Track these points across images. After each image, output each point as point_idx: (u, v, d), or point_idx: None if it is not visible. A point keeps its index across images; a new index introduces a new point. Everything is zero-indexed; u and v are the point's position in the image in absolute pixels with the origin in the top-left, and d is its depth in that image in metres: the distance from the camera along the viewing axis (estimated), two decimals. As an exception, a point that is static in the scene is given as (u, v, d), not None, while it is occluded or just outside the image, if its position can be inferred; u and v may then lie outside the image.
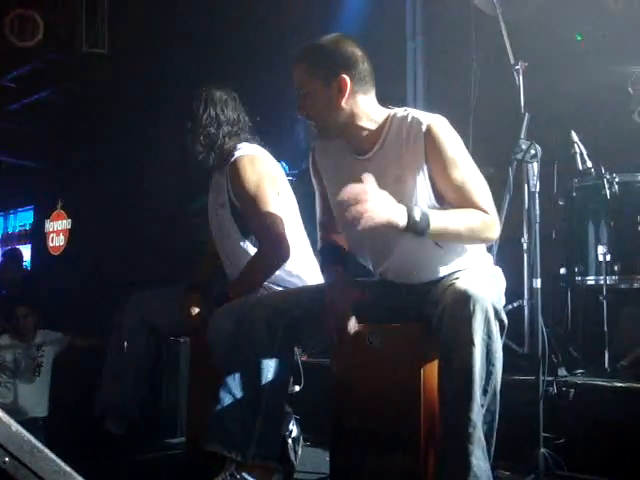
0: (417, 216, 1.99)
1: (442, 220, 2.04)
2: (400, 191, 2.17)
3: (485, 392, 1.95)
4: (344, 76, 2.18)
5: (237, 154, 2.78)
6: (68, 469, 1.30)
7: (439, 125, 2.16)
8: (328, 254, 2.44)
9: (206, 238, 3.07)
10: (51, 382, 5.20)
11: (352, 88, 2.19)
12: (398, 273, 2.33)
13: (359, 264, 2.47)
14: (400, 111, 2.25)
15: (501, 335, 1.98)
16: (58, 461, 1.29)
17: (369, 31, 4.95)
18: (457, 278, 2.04)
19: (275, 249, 2.66)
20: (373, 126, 2.24)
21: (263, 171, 2.76)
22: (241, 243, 2.77)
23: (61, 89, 7.21)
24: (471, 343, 1.91)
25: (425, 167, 2.16)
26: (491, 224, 2.12)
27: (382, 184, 2.17)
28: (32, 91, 7.43)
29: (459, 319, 1.93)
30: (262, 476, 2.18)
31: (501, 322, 1.98)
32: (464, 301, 1.93)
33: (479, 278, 2.07)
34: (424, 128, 2.15)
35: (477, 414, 1.92)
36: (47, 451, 1.29)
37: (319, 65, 2.20)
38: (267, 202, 2.70)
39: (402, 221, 1.98)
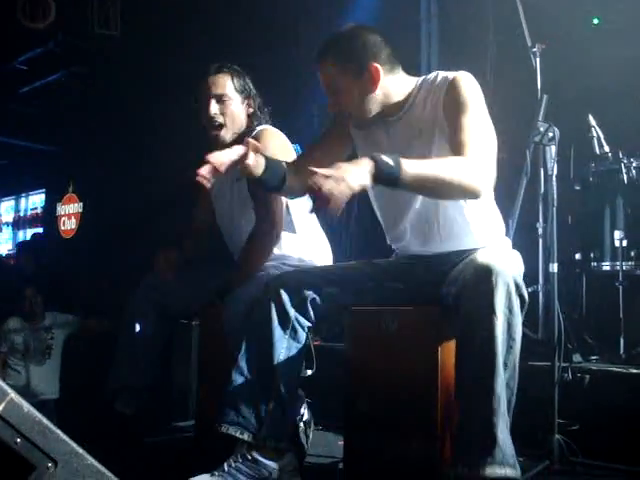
0: (385, 165, 1.91)
1: (416, 166, 1.96)
2: (420, 145, 2.20)
3: (505, 366, 1.93)
4: (374, 64, 2.18)
5: (260, 127, 2.80)
6: (80, 450, 1.29)
7: (464, 77, 2.16)
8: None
9: (194, 213, 3.08)
10: (62, 364, 5.24)
11: (383, 74, 2.19)
12: (414, 236, 2.31)
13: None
14: (430, 74, 2.26)
15: (521, 310, 1.96)
16: (70, 442, 1.28)
17: (383, 13, 4.92)
18: (478, 253, 2.02)
19: (271, 226, 2.68)
20: (402, 95, 2.25)
21: (282, 149, 2.75)
22: None
23: (73, 71, 7.19)
24: (493, 315, 1.89)
25: (443, 118, 2.15)
26: (475, 172, 2.01)
27: (406, 141, 2.22)
28: (44, 73, 7.42)
29: (481, 291, 1.91)
30: (274, 457, 2.17)
31: (522, 297, 1.96)
32: (486, 274, 1.91)
33: (500, 253, 2.05)
34: (449, 79, 2.16)
35: (501, 387, 1.90)
36: (59, 432, 1.28)
37: (347, 60, 2.19)
38: None
39: (367, 178, 1.90)
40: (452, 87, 2.14)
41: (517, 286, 1.94)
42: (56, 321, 5.33)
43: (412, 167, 1.94)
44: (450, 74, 2.18)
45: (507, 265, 1.95)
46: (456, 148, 2.06)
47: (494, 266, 1.92)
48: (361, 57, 2.18)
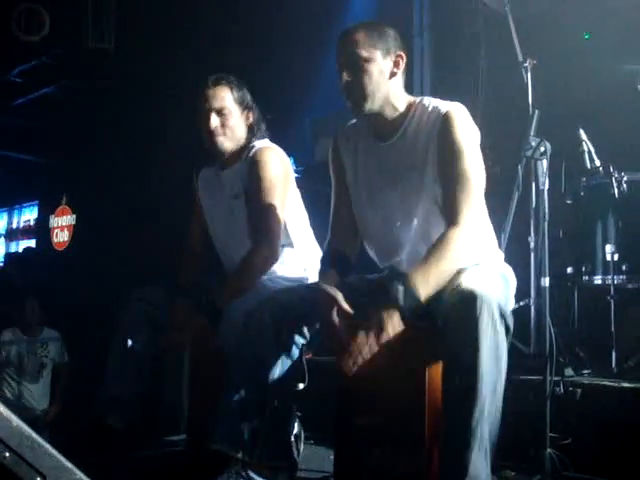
0: (402, 299, 1.97)
1: (427, 280, 2.00)
2: (410, 180, 2.21)
3: (489, 393, 1.92)
4: (402, 53, 2.23)
5: (260, 144, 2.81)
6: (69, 465, 1.28)
7: (457, 112, 2.17)
8: (327, 261, 2.38)
9: (189, 235, 3.07)
10: (52, 378, 5.22)
11: (402, 69, 2.24)
12: (410, 264, 2.31)
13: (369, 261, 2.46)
14: (425, 100, 2.27)
15: (506, 337, 1.95)
16: (59, 456, 1.27)
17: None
18: (464, 277, 2.01)
19: (269, 249, 2.68)
20: (402, 109, 2.26)
21: (283, 168, 2.78)
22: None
23: (67, 84, 7.20)
24: (477, 345, 1.87)
25: (436, 153, 2.16)
26: (464, 240, 2.08)
27: (397, 172, 2.24)
28: (38, 86, 7.44)
29: (465, 319, 1.89)
30: (268, 474, 2.17)
31: (507, 326, 1.94)
32: (471, 301, 1.89)
33: (487, 277, 2.04)
34: (441, 114, 2.16)
35: (480, 414, 1.89)
36: (48, 446, 1.27)
37: (380, 37, 2.21)
38: (277, 200, 2.72)
39: (395, 317, 1.97)
40: (446, 127, 2.14)
41: (502, 314, 1.92)
42: (51, 336, 5.32)
43: (425, 284, 1.99)
44: (443, 107, 2.18)
45: (493, 292, 1.94)
46: (450, 212, 2.12)
47: (479, 293, 1.89)
48: (392, 40, 2.22)
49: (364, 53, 2.18)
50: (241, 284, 2.65)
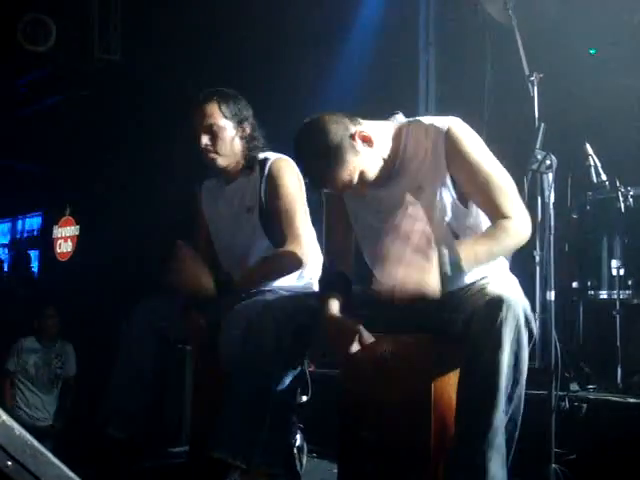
0: (445, 263, 1.93)
1: (473, 254, 1.99)
2: (422, 201, 2.13)
3: (510, 400, 1.92)
4: (358, 130, 2.13)
5: (274, 156, 2.79)
6: (72, 474, 1.26)
7: (458, 127, 2.13)
8: (329, 283, 2.35)
9: (197, 244, 3.01)
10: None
11: (364, 138, 2.14)
12: None
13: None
14: (414, 122, 2.21)
15: (529, 343, 1.95)
16: (61, 466, 1.26)
17: (382, 42, 4.95)
18: (488, 283, 2.01)
19: (302, 253, 2.65)
20: (389, 150, 2.19)
21: (299, 179, 2.77)
22: (267, 249, 2.75)
23: (73, 95, 7.21)
24: (500, 348, 1.88)
25: (447, 172, 2.13)
26: (518, 229, 2.07)
27: (404, 198, 2.14)
28: (43, 96, 7.45)
29: (490, 322, 1.89)
30: None
31: (530, 331, 1.94)
32: (497, 305, 1.89)
33: (511, 284, 2.05)
34: (444, 132, 2.12)
35: (500, 420, 1.89)
36: (50, 455, 1.26)
37: (334, 133, 2.12)
38: (303, 208, 2.74)
39: (435, 282, 1.90)
40: (453, 143, 2.10)
41: (527, 319, 1.92)
42: (66, 348, 5.33)
43: (470, 258, 1.97)
44: (441, 124, 2.14)
45: (518, 296, 1.95)
46: (494, 211, 2.09)
47: (506, 297, 1.90)
48: (350, 126, 2.13)
49: (333, 158, 2.10)
50: (265, 273, 2.66)
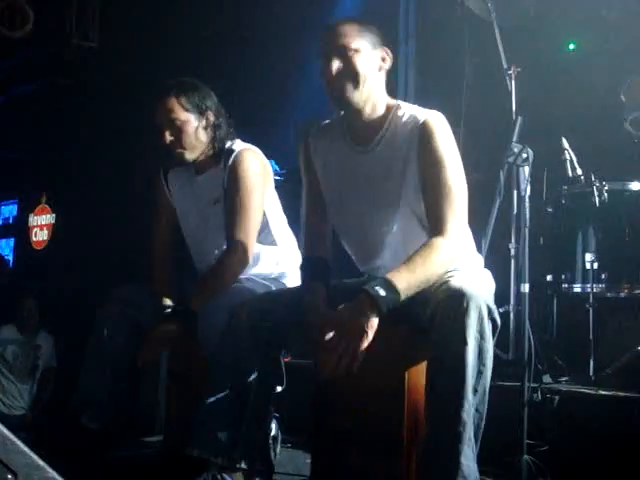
0: (382, 300, 1.94)
1: (407, 282, 1.98)
2: (388, 190, 2.20)
3: (475, 392, 1.92)
4: (387, 49, 2.22)
5: (237, 148, 2.78)
6: (41, 462, 1.26)
7: (435, 121, 2.15)
8: (311, 269, 2.36)
9: (155, 239, 3.00)
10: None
11: (387, 67, 2.23)
12: (389, 271, 2.30)
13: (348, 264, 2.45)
14: (402, 105, 2.25)
15: (493, 335, 1.95)
16: (31, 454, 1.25)
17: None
18: (451, 276, 2.01)
19: (243, 253, 2.66)
20: (382, 110, 2.24)
21: (261, 170, 2.77)
22: None
23: (50, 81, 7.14)
24: (464, 341, 1.88)
25: (415, 162, 2.15)
26: (450, 251, 2.07)
27: (373, 181, 2.22)
28: (20, 83, 7.36)
29: (452, 316, 1.89)
30: (244, 478, 2.16)
31: (494, 322, 1.95)
32: (458, 298, 1.90)
33: (473, 276, 2.05)
34: (420, 123, 2.15)
35: (468, 413, 1.89)
36: (20, 444, 1.25)
37: (366, 30, 2.20)
38: (255, 203, 2.72)
39: (375, 316, 1.94)
40: (427, 137, 2.13)
41: (489, 310, 1.92)
42: (46, 343, 5.30)
43: (406, 289, 1.97)
44: (420, 115, 2.17)
45: (480, 289, 1.95)
46: (433, 222, 2.12)
47: (467, 290, 1.90)
48: (377, 37, 2.21)
49: (353, 44, 2.16)
50: (215, 287, 2.62)
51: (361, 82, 2.16)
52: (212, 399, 2.19)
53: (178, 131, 2.71)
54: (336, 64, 2.16)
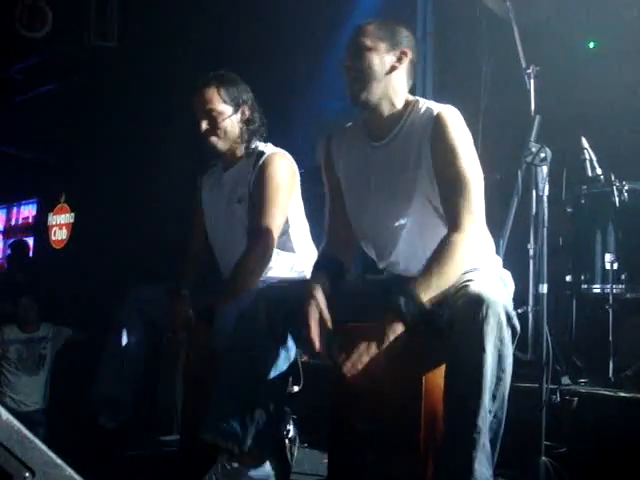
0: (405, 308, 1.96)
1: (429, 289, 1.99)
2: (403, 181, 2.21)
3: (494, 398, 1.91)
4: (407, 50, 2.24)
5: (268, 151, 2.81)
6: (59, 461, 1.26)
7: (449, 114, 2.16)
8: (319, 265, 2.37)
9: (191, 238, 3.05)
10: (50, 375, 5.22)
11: (406, 66, 2.25)
12: (406, 266, 2.30)
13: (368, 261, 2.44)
14: (420, 101, 2.27)
15: (512, 341, 1.93)
16: (49, 452, 1.25)
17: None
18: (469, 280, 1.99)
19: (264, 251, 2.68)
20: (399, 106, 2.26)
21: (290, 175, 2.80)
22: None
23: (69, 82, 7.18)
24: (482, 348, 1.86)
25: (430, 155, 2.16)
26: (468, 246, 2.07)
27: (388, 173, 2.24)
28: (39, 83, 7.42)
29: (471, 322, 1.87)
30: (255, 467, 2.16)
31: (513, 328, 1.93)
32: (477, 304, 1.87)
33: (492, 281, 2.03)
34: (433, 115, 2.16)
35: (483, 420, 1.87)
36: (38, 442, 1.25)
37: (388, 31, 2.24)
38: (279, 206, 2.74)
39: (400, 327, 1.96)
40: (440, 129, 2.14)
41: (509, 317, 1.90)
42: (50, 333, 5.32)
43: (428, 292, 1.98)
44: (435, 108, 2.19)
45: (499, 294, 1.92)
46: (450, 216, 2.12)
47: (486, 296, 1.88)
48: (400, 37, 2.24)
49: (368, 43, 2.20)
50: (236, 288, 2.63)
51: (368, 82, 2.20)
52: (226, 384, 2.19)
53: (214, 121, 2.76)
54: (351, 62, 2.22)
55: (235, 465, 2.13)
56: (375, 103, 2.23)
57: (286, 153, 2.85)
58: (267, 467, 2.21)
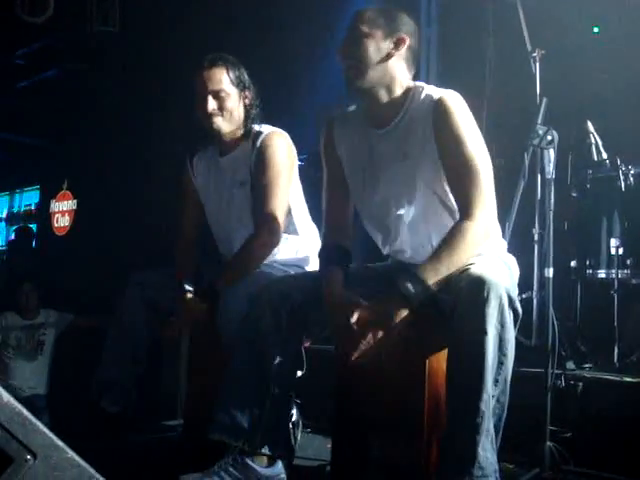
0: (412, 291, 1.95)
1: (437, 271, 1.97)
2: (404, 169, 2.18)
3: (496, 382, 1.90)
4: (404, 36, 2.18)
5: (267, 130, 2.78)
6: (60, 443, 1.25)
7: (451, 99, 2.12)
8: (327, 255, 2.34)
9: (182, 222, 3.01)
10: (52, 360, 5.22)
11: (404, 53, 2.19)
12: (412, 255, 2.28)
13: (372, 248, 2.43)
14: (420, 86, 2.22)
15: (514, 325, 1.92)
16: (50, 435, 1.25)
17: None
18: (472, 263, 1.98)
19: (271, 235, 2.65)
20: (399, 94, 2.21)
21: (290, 155, 2.77)
22: None
23: (70, 67, 7.15)
24: (484, 331, 1.84)
25: (434, 142, 2.12)
26: (478, 234, 2.04)
27: (391, 161, 2.20)
28: (41, 69, 7.38)
29: (472, 305, 1.86)
30: (265, 464, 2.14)
31: (515, 311, 1.91)
32: (478, 287, 1.86)
33: (495, 265, 2.01)
34: (435, 102, 2.12)
35: (486, 404, 1.86)
36: (39, 424, 1.24)
37: (386, 17, 2.19)
38: (283, 187, 2.71)
39: (406, 311, 1.96)
40: (443, 115, 2.10)
41: (510, 300, 1.89)
42: (50, 318, 5.32)
43: (436, 277, 1.97)
44: (435, 94, 2.15)
45: (501, 278, 1.91)
46: (460, 203, 2.09)
47: (487, 278, 1.87)
48: (398, 24, 2.19)
49: (365, 29, 2.16)
50: (241, 269, 2.62)
51: (367, 67, 2.16)
52: (233, 383, 2.18)
53: (222, 101, 2.73)
54: (347, 49, 2.18)
55: (246, 460, 2.12)
56: (371, 90, 2.19)
57: (283, 132, 2.81)
58: (279, 467, 2.19)
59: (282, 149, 2.74)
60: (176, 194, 3.09)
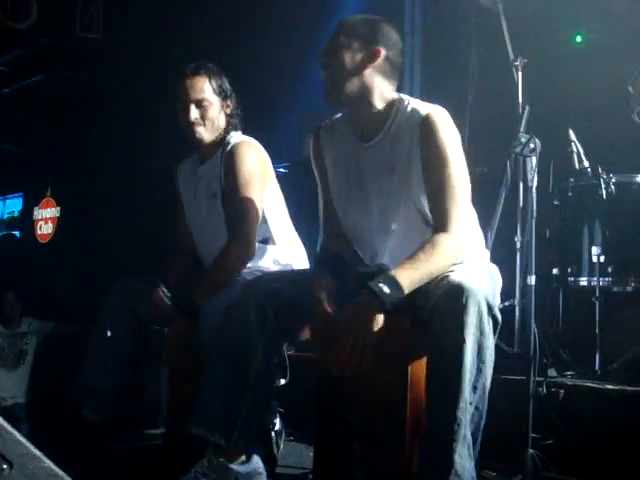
0: (386, 296, 1.93)
1: (411, 277, 1.97)
2: (390, 184, 2.18)
3: (474, 389, 1.89)
4: (380, 48, 2.17)
5: (234, 140, 2.77)
6: (37, 452, 1.24)
7: (437, 116, 2.13)
8: (322, 262, 2.35)
9: (177, 233, 3.01)
10: (32, 369, 5.18)
11: (381, 65, 2.18)
12: (394, 267, 2.27)
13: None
14: (404, 99, 2.22)
15: (494, 332, 1.92)
16: (27, 444, 1.23)
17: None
18: (452, 271, 1.99)
19: (245, 247, 2.65)
20: (381, 106, 2.21)
21: (259, 163, 2.75)
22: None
23: (54, 74, 7.11)
24: (462, 338, 1.85)
25: (418, 157, 2.13)
26: (453, 247, 2.06)
27: (376, 176, 2.20)
28: (24, 75, 7.34)
29: (451, 312, 1.87)
30: (241, 462, 2.13)
31: (494, 318, 1.91)
32: (457, 294, 1.87)
33: (474, 272, 2.02)
34: (422, 117, 2.13)
35: (464, 411, 1.86)
36: (16, 433, 1.23)
37: (365, 28, 2.19)
38: (254, 197, 2.69)
39: (379, 313, 1.95)
40: (429, 132, 2.11)
41: (489, 307, 1.89)
42: (32, 327, 5.29)
43: (410, 285, 1.96)
44: (422, 109, 2.15)
45: (480, 285, 1.92)
46: (437, 217, 2.10)
47: (466, 285, 1.87)
48: (375, 35, 2.18)
49: (342, 39, 2.16)
50: (215, 282, 2.61)
51: (342, 78, 2.16)
52: (213, 378, 2.17)
53: (204, 110, 2.73)
54: (324, 59, 2.20)
55: (221, 460, 2.11)
56: (347, 101, 2.20)
57: (253, 140, 2.80)
58: (255, 463, 2.18)
59: (250, 158, 2.72)
60: (160, 202, 3.09)
